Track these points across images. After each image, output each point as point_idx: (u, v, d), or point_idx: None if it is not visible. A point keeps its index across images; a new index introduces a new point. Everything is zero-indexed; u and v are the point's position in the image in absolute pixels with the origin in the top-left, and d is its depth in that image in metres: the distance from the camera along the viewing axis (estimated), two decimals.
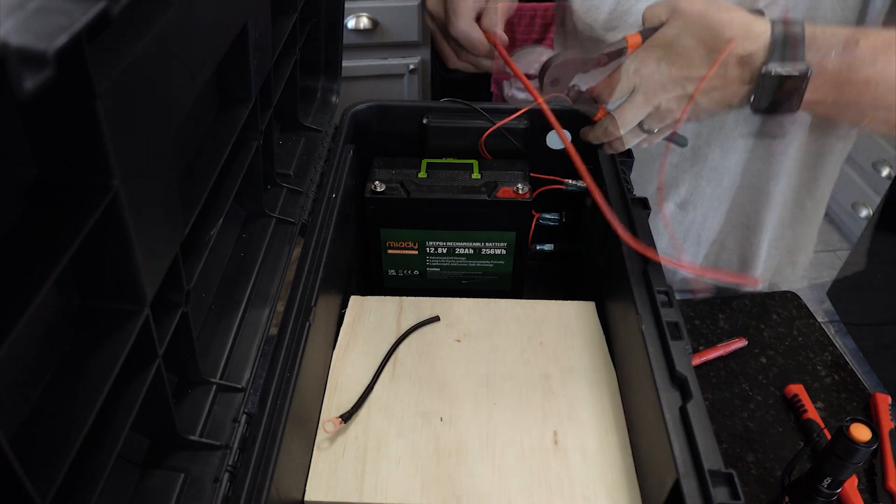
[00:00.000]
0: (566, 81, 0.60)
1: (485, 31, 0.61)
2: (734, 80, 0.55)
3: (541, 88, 0.60)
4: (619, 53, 0.59)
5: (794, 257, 0.98)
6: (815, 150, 0.86)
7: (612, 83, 0.59)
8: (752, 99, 0.55)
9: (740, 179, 0.88)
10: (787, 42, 0.53)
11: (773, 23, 0.54)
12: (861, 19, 0.71)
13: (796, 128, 0.83)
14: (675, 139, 0.67)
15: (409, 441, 0.60)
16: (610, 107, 0.62)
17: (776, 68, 0.53)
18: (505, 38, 0.65)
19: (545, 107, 0.57)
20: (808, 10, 0.71)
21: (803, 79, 0.53)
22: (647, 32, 0.58)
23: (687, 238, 0.94)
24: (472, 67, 0.65)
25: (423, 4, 0.66)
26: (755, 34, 0.54)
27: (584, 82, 0.62)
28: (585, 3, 0.82)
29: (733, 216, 0.92)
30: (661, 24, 0.57)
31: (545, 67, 0.59)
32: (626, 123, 0.60)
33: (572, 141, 0.63)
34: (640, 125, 0.61)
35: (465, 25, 0.61)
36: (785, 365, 0.84)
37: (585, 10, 0.82)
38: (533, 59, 0.61)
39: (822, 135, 0.84)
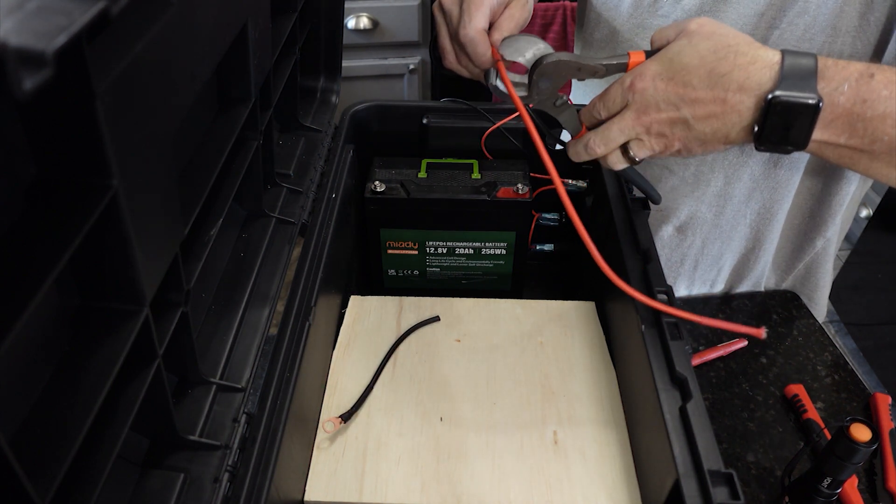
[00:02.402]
0: (557, 83, 0.58)
1: (493, 45, 0.59)
2: (734, 107, 0.51)
3: (529, 84, 0.58)
4: (618, 68, 0.56)
5: (809, 293, 0.96)
6: (821, 187, 0.83)
7: (605, 97, 0.57)
8: (755, 130, 0.52)
9: (744, 208, 0.86)
10: (797, 72, 0.50)
11: (784, 52, 0.51)
12: (878, 54, 0.68)
13: (803, 164, 0.81)
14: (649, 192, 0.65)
15: (409, 441, 0.60)
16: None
17: (785, 96, 0.50)
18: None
19: (528, 119, 0.54)
20: (825, 42, 0.68)
21: (814, 110, 0.50)
22: (652, 53, 0.55)
23: (683, 263, 0.93)
24: (467, 73, 0.64)
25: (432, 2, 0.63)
26: (762, 60, 0.51)
27: (577, 92, 0.60)
28: (606, 14, 0.81)
29: (734, 244, 0.90)
30: (668, 44, 0.54)
31: (536, 64, 0.57)
32: (609, 140, 0.57)
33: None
34: (627, 151, 0.57)
35: (474, 34, 0.58)
36: (785, 365, 0.84)
37: (605, 18, 0.81)
38: (523, 47, 0.58)
39: (828, 177, 0.82)
